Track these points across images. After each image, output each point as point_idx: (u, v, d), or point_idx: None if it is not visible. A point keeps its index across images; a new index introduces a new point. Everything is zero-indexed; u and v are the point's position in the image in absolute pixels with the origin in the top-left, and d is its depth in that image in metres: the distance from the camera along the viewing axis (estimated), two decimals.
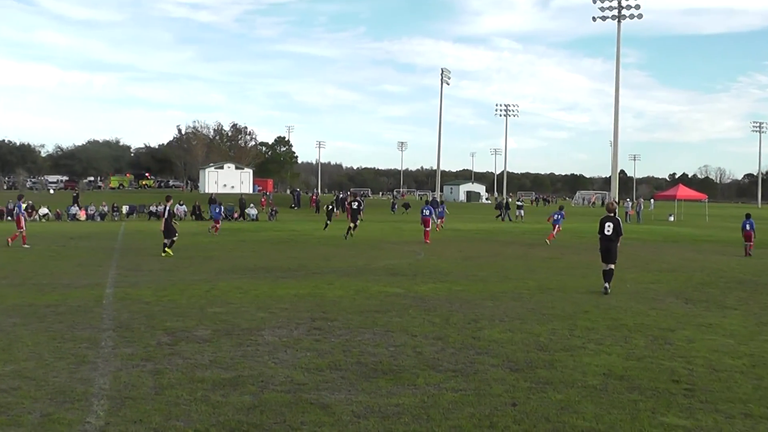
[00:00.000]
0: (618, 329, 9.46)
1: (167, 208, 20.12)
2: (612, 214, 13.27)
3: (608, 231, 13.11)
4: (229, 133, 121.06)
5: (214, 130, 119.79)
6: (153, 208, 45.20)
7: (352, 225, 26.81)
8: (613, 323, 9.89)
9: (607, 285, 12.93)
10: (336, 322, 9.72)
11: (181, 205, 45.44)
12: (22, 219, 22.77)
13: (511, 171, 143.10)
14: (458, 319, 10.09)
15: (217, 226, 30.66)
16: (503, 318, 10.21)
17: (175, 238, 19.83)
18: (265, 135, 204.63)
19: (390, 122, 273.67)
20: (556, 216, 27.22)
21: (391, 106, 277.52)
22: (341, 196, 56.47)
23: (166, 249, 19.44)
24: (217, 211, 32.15)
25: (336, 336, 8.78)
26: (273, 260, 18.61)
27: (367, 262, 18.22)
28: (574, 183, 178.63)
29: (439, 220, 33.44)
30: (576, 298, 12.25)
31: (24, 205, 24.19)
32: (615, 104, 57.36)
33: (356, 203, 27.71)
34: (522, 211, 49.54)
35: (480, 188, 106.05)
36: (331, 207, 36.76)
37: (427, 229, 26.23)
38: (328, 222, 33.72)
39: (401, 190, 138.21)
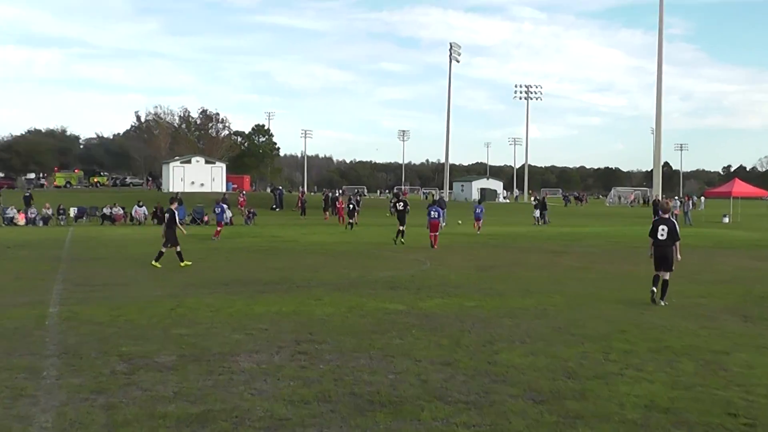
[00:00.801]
0: (662, 352, 9.46)
1: (175, 211, 20.69)
2: (667, 216, 13.60)
3: (662, 235, 13.36)
4: (198, 121, 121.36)
5: (180, 117, 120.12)
6: (107, 211, 45.23)
7: (401, 228, 28.45)
8: (655, 345, 9.89)
9: (663, 299, 13.33)
10: (325, 345, 9.71)
11: (140, 206, 45.47)
12: None
13: (533, 164, 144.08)
14: (470, 340, 10.10)
15: (219, 229, 31.80)
16: (524, 339, 10.22)
17: (164, 250, 19.94)
18: (241, 123, 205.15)
19: (389, 107, 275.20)
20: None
21: (390, 88, 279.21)
22: (332, 195, 56.56)
23: (181, 258, 19.76)
24: (217, 212, 32.65)
25: (325, 362, 8.78)
26: (250, 272, 18.63)
27: (362, 274, 18.24)
28: (608, 178, 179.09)
29: (476, 222, 35.30)
30: (611, 315, 12.25)
31: None
32: (657, 84, 57.62)
33: (401, 203, 29.65)
34: (538, 212, 49.06)
35: (497, 185, 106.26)
36: (352, 206, 40.04)
37: (434, 233, 26.28)
38: (351, 221, 38.74)
39: (403, 187, 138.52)
